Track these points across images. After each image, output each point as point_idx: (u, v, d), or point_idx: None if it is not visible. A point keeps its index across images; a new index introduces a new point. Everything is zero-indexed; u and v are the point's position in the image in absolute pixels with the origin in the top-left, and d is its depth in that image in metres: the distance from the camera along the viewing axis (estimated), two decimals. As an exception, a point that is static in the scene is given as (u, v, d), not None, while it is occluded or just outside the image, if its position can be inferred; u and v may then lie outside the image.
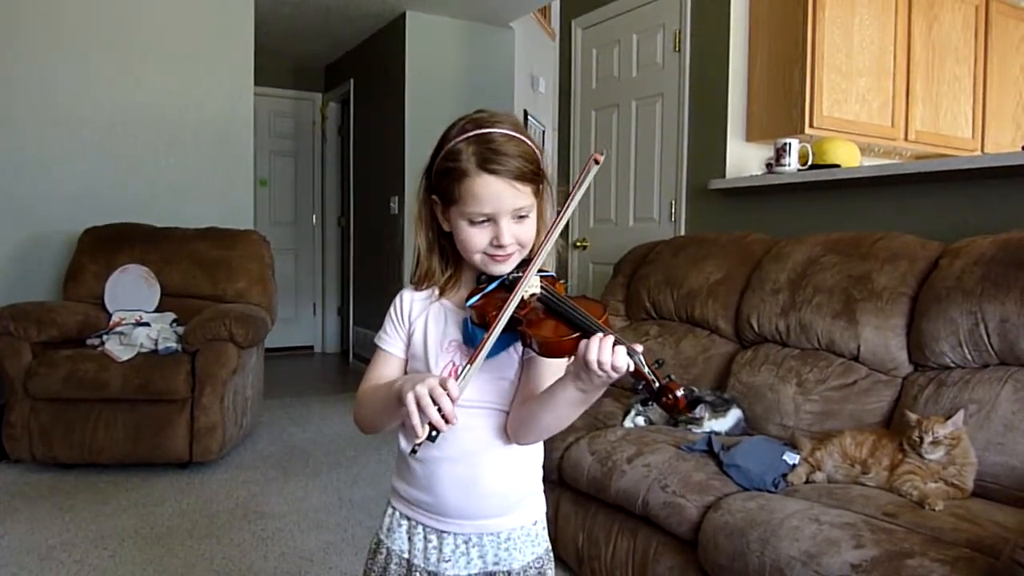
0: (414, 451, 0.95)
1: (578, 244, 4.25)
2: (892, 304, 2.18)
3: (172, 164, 4.41)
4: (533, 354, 1.02)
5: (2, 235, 4.01)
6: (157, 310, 3.73)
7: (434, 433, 0.92)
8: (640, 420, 2.37)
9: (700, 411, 2.27)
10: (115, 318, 3.59)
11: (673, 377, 0.85)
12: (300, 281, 6.96)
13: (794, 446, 2.03)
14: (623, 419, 2.39)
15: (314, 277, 7.07)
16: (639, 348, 0.86)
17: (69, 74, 4.12)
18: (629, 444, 2.13)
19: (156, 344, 3.35)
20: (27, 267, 4.06)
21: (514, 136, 1.03)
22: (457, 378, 0.95)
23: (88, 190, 4.17)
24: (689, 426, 2.27)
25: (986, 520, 1.56)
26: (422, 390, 0.93)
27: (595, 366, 0.87)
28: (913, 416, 1.82)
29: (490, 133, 1.02)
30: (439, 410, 0.92)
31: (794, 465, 1.91)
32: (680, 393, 0.83)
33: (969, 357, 1.99)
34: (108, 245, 3.89)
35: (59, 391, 3.18)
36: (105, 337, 3.40)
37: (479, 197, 1.01)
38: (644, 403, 0.89)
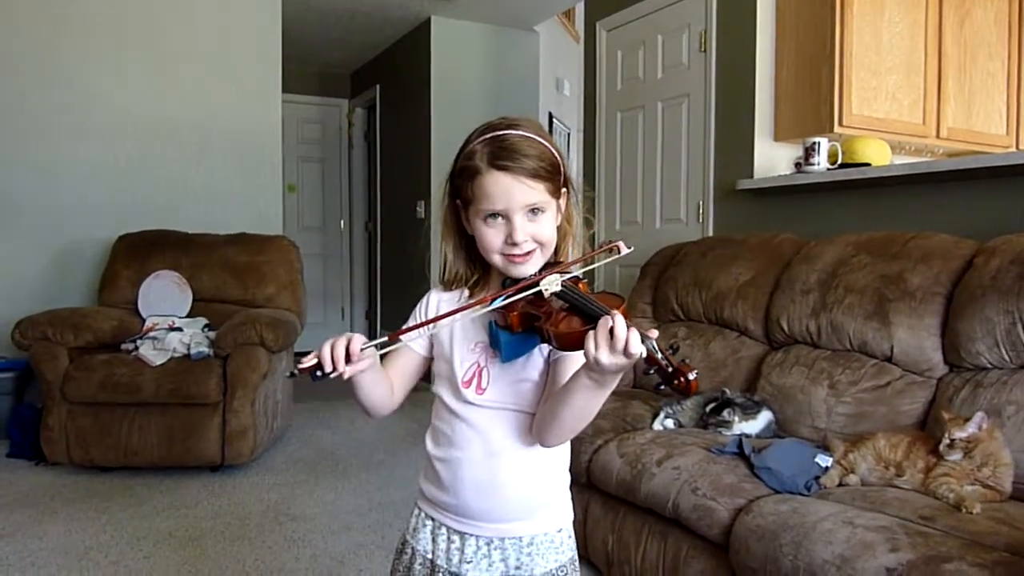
0: (293, 374, 0.97)
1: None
2: (926, 304, 2.15)
3: (202, 171, 4.48)
4: (558, 356, 1.03)
5: (39, 243, 4.10)
6: (189, 315, 3.79)
7: (318, 372, 0.95)
8: (669, 423, 2.36)
9: (729, 414, 2.25)
10: (148, 323, 3.64)
11: (687, 360, 0.85)
12: (328, 285, 7.02)
13: (826, 448, 2.00)
14: (652, 421, 2.38)
15: (342, 281, 7.13)
16: (653, 334, 0.86)
17: (102, 85, 4.20)
18: (658, 446, 2.12)
19: (188, 349, 3.40)
20: (63, 274, 4.15)
21: (530, 137, 1.03)
22: (481, 376, 1.01)
23: (121, 198, 4.26)
24: (719, 428, 2.26)
25: (1026, 524, 1.53)
26: (336, 337, 0.96)
27: (599, 349, 0.86)
28: (947, 416, 1.80)
29: (505, 134, 1.03)
30: (334, 355, 0.94)
31: (826, 468, 1.89)
32: (692, 376, 0.83)
33: (1006, 357, 1.95)
34: (141, 252, 3.95)
35: (95, 395, 3.23)
36: (139, 342, 3.46)
37: (490, 194, 1.02)
38: (657, 388, 0.87)
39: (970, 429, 1.72)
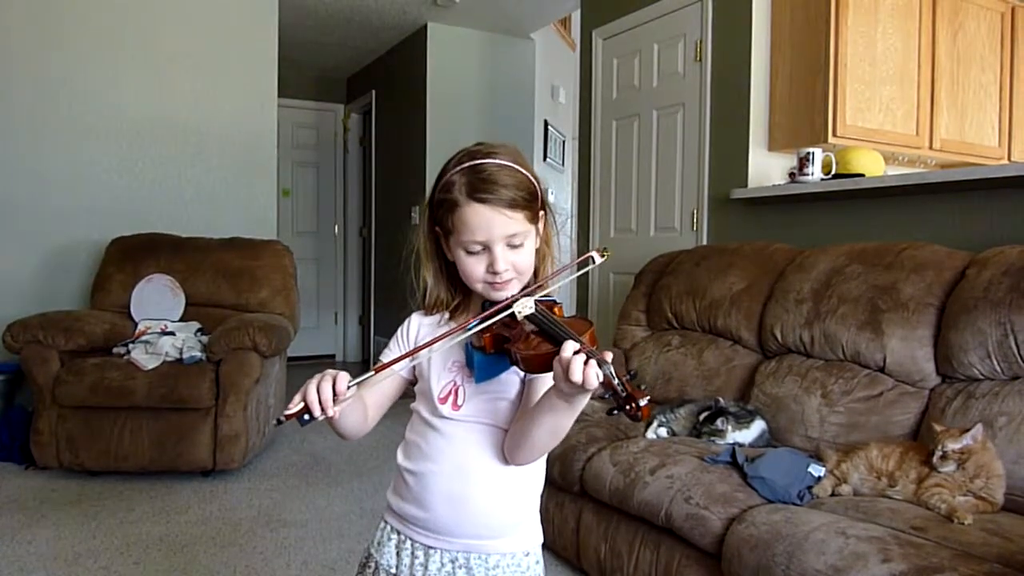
0: (279, 421, 0.93)
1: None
2: (918, 315, 2.16)
3: (197, 175, 4.47)
4: (533, 376, 1.04)
5: (31, 245, 4.08)
6: (182, 319, 3.78)
7: (306, 416, 0.93)
8: (663, 431, 2.36)
9: (722, 423, 2.26)
10: (141, 327, 3.63)
11: (643, 387, 0.85)
12: (322, 291, 7.01)
13: (819, 458, 2.01)
14: (645, 430, 2.38)
15: (336, 287, 7.12)
16: (609, 357, 0.86)
17: (96, 86, 4.19)
18: (652, 455, 2.12)
19: (181, 353, 3.38)
20: (55, 277, 4.13)
21: (507, 166, 1.04)
22: (458, 394, 1.02)
23: (115, 201, 4.24)
24: (712, 437, 2.26)
25: (1016, 535, 1.53)
26: (320, 375, 0.94)
27: (563, 376, 0.87)
28: (938, 428, 1.80)
29: (482, 163, 1.04)
30: (321, 398, 0.92)
31: (819, 477, 1.89)
32: (643, 403, 0.83)
33: (998, 369, 1.96)
34: (134, 255, 3.94)
35: (86, 399, 3.22)
36: (131, 346, 3.44)
37: (470, 226, 1.03)
38: (610, 412, 0.88)
39: (966, 441, 1.73)
